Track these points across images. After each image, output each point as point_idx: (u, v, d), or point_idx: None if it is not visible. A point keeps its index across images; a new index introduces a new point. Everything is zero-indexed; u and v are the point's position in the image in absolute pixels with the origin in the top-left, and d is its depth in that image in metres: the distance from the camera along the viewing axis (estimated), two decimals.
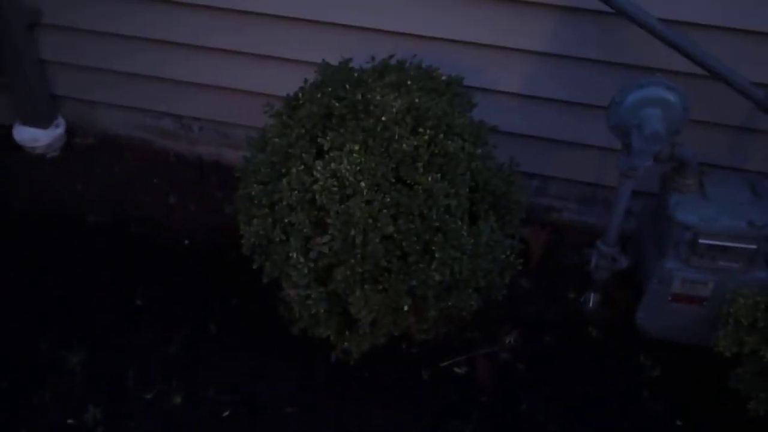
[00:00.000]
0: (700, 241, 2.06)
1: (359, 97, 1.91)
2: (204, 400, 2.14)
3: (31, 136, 2.92)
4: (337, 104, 1.91)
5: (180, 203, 2.79)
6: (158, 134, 2.98)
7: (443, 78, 2.07)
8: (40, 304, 2.40)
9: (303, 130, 1.92)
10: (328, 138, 1.87)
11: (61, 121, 2.98)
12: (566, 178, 2.63)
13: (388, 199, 1.80)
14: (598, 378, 2.25)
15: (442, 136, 1.87)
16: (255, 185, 1.95)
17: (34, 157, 2.95)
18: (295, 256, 1.86)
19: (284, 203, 1.87)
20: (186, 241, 2.65)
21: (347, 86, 1.95)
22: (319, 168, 1.82)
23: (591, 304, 2.40)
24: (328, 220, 1.80)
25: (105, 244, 2.62)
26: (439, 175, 1.85)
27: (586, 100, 2.38)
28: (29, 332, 2.31)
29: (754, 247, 2.05)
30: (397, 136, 1.83)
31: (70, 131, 3.01)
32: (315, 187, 1.80)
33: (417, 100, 1.89)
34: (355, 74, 2.04)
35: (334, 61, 2.12)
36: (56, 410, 2.11)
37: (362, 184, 1.78)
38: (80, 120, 3.02)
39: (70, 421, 2.09)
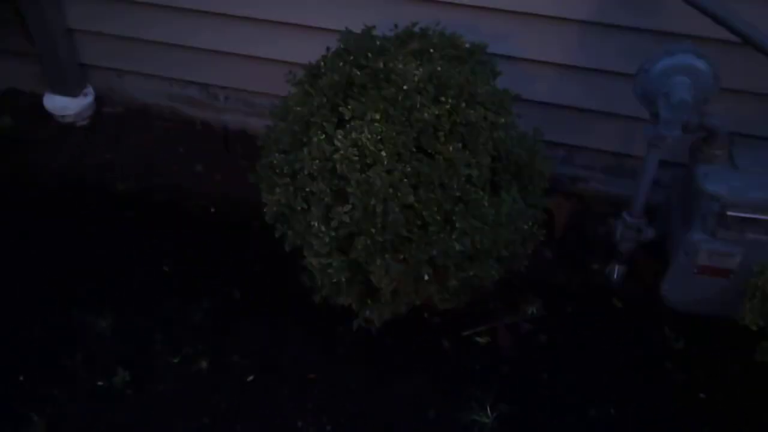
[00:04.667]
0: (729, 212, 2.02)
1: (381, 65, 1.89)
2: (229, 365, 2.19)
3: (60, 105, 2.96)
4: (358, 73, 1.90)
5: (206, 172, 2.82)
6: (185, 103, 3.00)
7: (467, 46, 2.04)
8: (70, 271, 2.45)
9: (324, 99, 1.91)
10: (349, 107, 1.86)
11: (90, 89, 3.01)
12: (593, 148, 2.59)
13: (409, 169, 1.79)
14: (620, 350, 2.23)
15: (464, 104, 1.85)
16: (276, 154, 1.96)
17: (64, 125, 2.99)
18: (316, 224, 1.87)
19: (305, 172, 1.87)
20: (212, 210, 2.68)
21: (369, 54, 1.94)
22: (339, 137, 1.81)
23: (615, 276, 2.37)
24: (349, 190, 1.80)
25: (133, 212, 2.66)
26: (460, 145, 1.83)
27: (616, 68, 2.33)
28: (61, 298, 2.36)
29: None
30: (418, 105, 1.82)
31: (98, 100, 3.04)
32: (336, 156, 1.80)
33: (439, 69, 1.87)
34: (378, 42, 2.02)
35: (358, 28, 2.11)
36: (87, 372, 2.17)
37: (383, 153, 1.78)
38: (108, 89, 3.05)
39: (100, 383, 2.14)
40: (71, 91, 2.96)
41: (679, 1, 1.97)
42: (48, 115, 2.99)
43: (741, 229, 2.04)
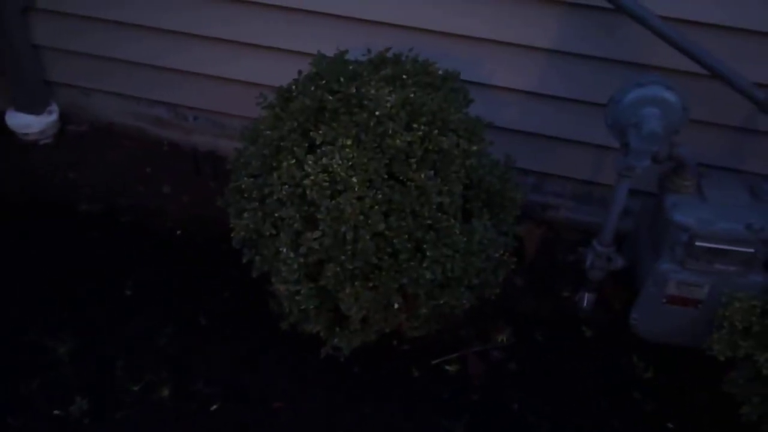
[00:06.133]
0: (697, 243, 2.04)
1: (353, 90, 1.88)
2: (192, 393, 2.13)
3: (23, 123, 2.89)
4: (330, 98, 1.88)
5: (173, 193, 2.77)
6: (153, 123, 2.95)
7: (440, 72, 2.04)
8: (28, 294, 2.38)
9: (295, 124, 1.89)
10: (320, 132, 1.84)
11: (54, 107, 2.94)
12: (563, 176, 2.60)
13: (380, 196, 1.77)
14: (590, 378, 2.23)
15: (436, 132, 1.84)
16: (245, 178, 1.92)
17: (26, 143, 2.92)
18: (284, 251, 1.83)
19: (275, 197, 1.84)
20: (178, 232, 2.62)
21: (341, 79, 1.92)
22: (310, 162, 1.79)
23: (585, 304, 2.37)
24: (319, 216, 1.78)
25: (96, 234, 2.60)
26: (432, 172, 1.82)
27: (585, 97, 2.35)
28: (17, 322, 2.28)
29: (751, 250, 2.03)
30: (390, 132, 1.80)
31: (63, 118, 2.98)
32: (306, 181, 1.78)
33: (412, 95, 1.86)
34: (350, 67, 2.00)
35: (331, 52, 2.09)
36: (43, 401, 2.09)
37: (354, 179, 1.75)
38: (74, 107, 2.99)
39: (56, 412, 2.07)
40: (35, 109, 2.89)
41: (648, 33, 1.99)
42: (10, 133, 2.92)
43: (709, 260, 2.06)
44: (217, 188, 2.74)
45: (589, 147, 2.46)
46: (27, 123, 2.89)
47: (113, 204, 2.71)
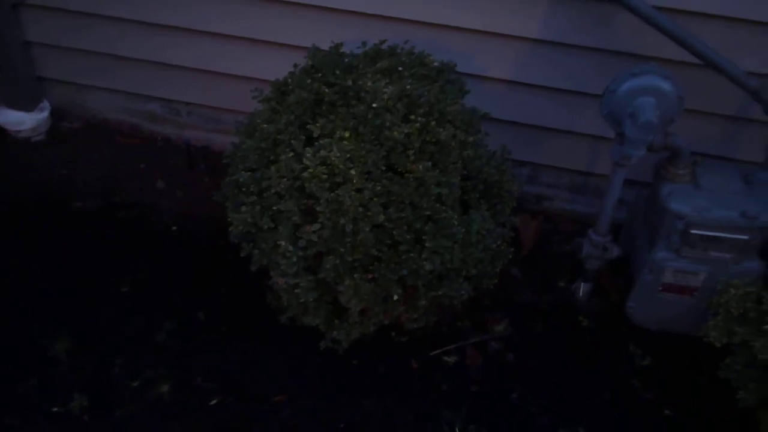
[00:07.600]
0: (692, 231, 2.05)
1: (350, 83, 1.88)
2: (191, 389, 2.12)
3: (15, 119, 2.87)
4: (327, 90, 1.88)
5: (168, 189, 2.76)
6: (146, 118, 2.94)
7: (435, 64, 2.04)
8: (24, 292, 2.36)
9: (292, 116, 1.89)
10: (318, 124, 1.84)
11: (46, 104, 2.93)
12: (558, 167, 2.61)
13: (379, 188, 1.77)
14: (588, 367, 2.24)
15: (433, 123, 1.84)
16: (243, 172, 1.92)
17: (18, 140, 2.90)
18: (283, 244, 1.84)
19: (273, 191, 1.84)
20: (174, 228, 2.61)
21: (338, 72, 1.92)
22: (308, 155, 1.79)
23: (581, 294, 2.39)
24: (318, 209, 1.78)
25: (91, 231, 2.58)
26: (430, 164, 1.83)
27: (579, 87, 2.36)
28: (14, 320, 2.27)
29: (746, 237, 2.04)
30: (388, 124, 1.81)
31: (56, 115, 2.96)
32: (304, 174, 1.78)
33: (409, 87, 1.87)
34: (346, 60, 2.01)
35: (325, 46, 2.09)
36: (41, 398, 2.08)
37: (352, 171, 1.76)
38: (67, 103, 2.97)
39: (55, 409, 2.06)
40: (26, 106, 2.87)
41: (641, 23, 2.00)
42: (1, 130, 2.90)
43: (705, 248, 2.07)
44: (211, 183, 2.74)
45: (583, 137, 2.47)
46: (19, 120, 2.87)
47: (108, 200, 2.69)
